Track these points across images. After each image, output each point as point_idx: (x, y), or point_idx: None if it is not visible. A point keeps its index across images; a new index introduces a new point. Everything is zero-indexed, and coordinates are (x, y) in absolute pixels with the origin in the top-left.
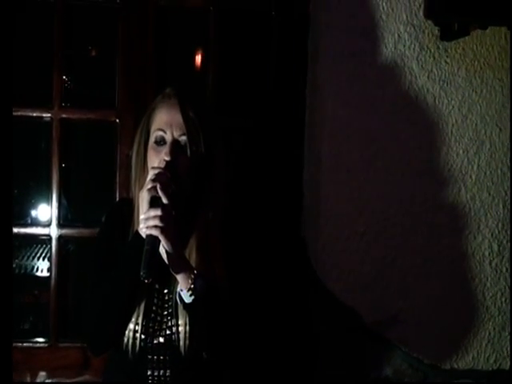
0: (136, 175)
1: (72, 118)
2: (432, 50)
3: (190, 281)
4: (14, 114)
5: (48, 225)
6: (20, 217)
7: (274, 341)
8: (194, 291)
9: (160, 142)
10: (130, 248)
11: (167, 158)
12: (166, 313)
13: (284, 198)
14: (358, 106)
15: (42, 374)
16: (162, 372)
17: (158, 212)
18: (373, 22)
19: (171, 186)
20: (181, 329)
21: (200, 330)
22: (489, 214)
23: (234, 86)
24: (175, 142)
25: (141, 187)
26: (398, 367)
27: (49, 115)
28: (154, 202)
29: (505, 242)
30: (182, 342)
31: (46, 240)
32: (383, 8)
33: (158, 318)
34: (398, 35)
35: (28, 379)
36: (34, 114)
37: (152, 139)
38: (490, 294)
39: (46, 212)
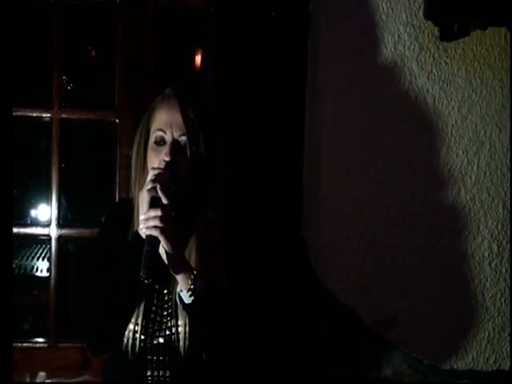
0: (136, 175)
1: (72, 118)
2: (432, 51)
3: (189, 281)
4: (14, 114)
5: (48, 225)
6: (20, 217)
7: (274, 341)
8: (193, 292)
9: (160, 142)
10: (130, 248)
11: (167, 159)
12: (165, 313)
13: (284, 198)
14: (357, 106)
15: (42, 374)
16: (161, 372)
17: (158, 212)
18: (373, 23)
19: (171, 186)
20: (180, 329)
21: (200, 331)
22: (488, 215)
23: (233, 86)
24: (175, 142)
25: (141, 187)
26: (398, 367)
27: (48, 115)
28: (154, 203)
29: (504, 242)
30: (181, 343)
31: (45, 240)
32: (383, 8)
33: (158, 319)
34: (398, 35)
35: (28, 379)
36: (34, 114)
37: (152, 139)
38: (490, 295)
39: (45, 212)
